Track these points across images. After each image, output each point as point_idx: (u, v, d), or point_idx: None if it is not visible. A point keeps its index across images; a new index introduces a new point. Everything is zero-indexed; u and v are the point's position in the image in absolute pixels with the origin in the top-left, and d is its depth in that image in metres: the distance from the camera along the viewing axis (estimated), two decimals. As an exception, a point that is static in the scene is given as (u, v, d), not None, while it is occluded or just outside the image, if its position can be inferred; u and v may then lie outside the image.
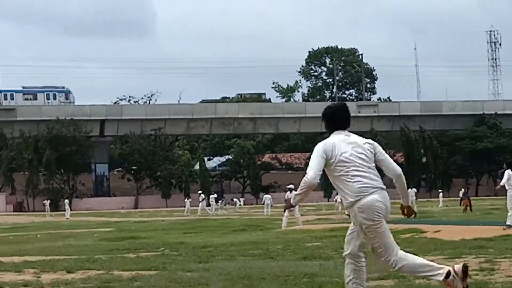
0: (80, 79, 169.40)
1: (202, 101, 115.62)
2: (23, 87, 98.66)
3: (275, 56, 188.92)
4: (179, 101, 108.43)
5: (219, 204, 67.19)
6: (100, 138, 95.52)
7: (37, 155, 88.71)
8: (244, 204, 78.47)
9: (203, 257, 15.56)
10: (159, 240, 22.29)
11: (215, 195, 66.69)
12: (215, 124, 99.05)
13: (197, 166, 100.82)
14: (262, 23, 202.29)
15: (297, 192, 7.11)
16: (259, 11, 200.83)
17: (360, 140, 7.19)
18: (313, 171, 6.93)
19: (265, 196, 53.86)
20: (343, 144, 7.07)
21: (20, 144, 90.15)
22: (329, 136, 7.27)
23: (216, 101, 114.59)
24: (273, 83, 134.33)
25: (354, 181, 6.94)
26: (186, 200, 63.69)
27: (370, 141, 7.24)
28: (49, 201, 68.89)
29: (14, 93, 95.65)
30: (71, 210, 61.34)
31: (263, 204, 53.46)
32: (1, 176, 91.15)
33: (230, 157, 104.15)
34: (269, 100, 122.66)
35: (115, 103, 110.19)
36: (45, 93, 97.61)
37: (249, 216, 46.45)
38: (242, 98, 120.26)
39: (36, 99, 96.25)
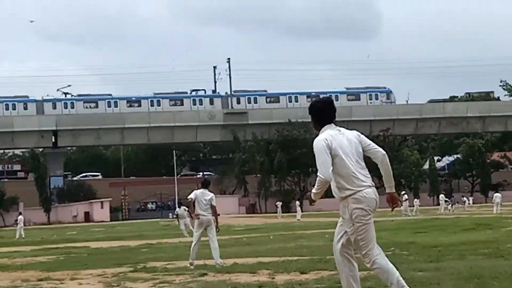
0: (304, 81, 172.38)
1: (430, 101, 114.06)
2: (347, 88, 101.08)
3: (502, 54, 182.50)
4: (407, 101, 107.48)
5: (448, 203, 66.09)
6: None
7: (269, 157, 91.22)
8: (473, 203, 77.16)
9: (433, 256, 15.48)
10: (389, 240, 22.31)
11: (444, 195, 66.44)
12: (443, 124, 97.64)
13: (426, 166, 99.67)
14: (487, 22, 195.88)
15: (314, 191, 7.37)
16: (484, 10, 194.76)
17: (350, 133, 7.46)
18: (326, 169, 7.17)
19: (495, 194, 53.02)
20: (339, 138, 7.33)
21: (252, 147, 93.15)
22: (319, 130, 7.49)
23: (444, 101, 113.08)
24: (500, 82, 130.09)
25: (352, 175, 7.25)
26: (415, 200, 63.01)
27: (355, 132, 7.51)
28: (280, 203, 70.62)
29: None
30: (302, 211, 62.49)
31: (493, 202, 52.48)
32: (234, 179, 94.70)
33: (459, 156, 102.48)
34: (498, 99, 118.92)
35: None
36: (368, 93, 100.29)
37: (479, 215, 45.31)
38: (470, 97, 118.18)
39: (359, 99, 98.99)
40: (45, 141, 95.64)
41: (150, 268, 16.34)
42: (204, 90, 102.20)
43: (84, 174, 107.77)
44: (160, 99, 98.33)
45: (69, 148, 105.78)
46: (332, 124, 7.51)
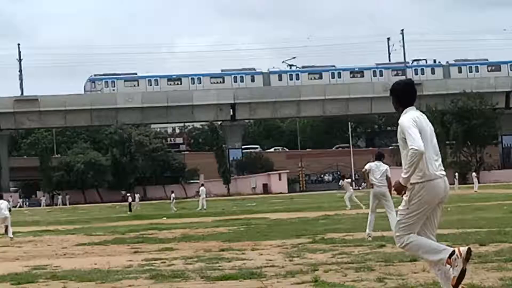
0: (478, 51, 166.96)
1: None
2: None
3: None
4: None
5: None
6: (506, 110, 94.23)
7: (444, 128, 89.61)
8: None
9: None
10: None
11: None
12: None
13: None
14: None
15: (406, 168, 7.05)
16: None
17: (428, 121, 7.44)
18: (418, 140, 7.02)
19: None
20: (422, 122, 7.30)
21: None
22: (400, 111, 7.41)
23: None
24: None
25: (431, 160, 7.18)
26: None
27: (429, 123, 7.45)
28: (457, 173, 69.35)
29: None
30: (479, 182, 61.20)
31: None
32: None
33: None
34: None
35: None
36: None
37: None
38: None
39: None
40: (224, 114, 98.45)
41: (329, 239, 16.70)
42: (425, 60, 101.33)
43: (245, 147, 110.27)
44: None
45: (246, 121, 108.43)
46: (414, 107, 7.52)
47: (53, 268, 13.79)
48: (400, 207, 7.32)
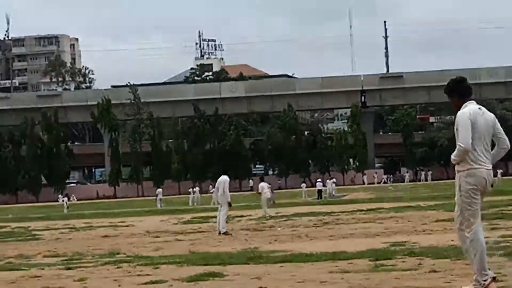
0: None
1: None
2: None
3: None
4: None
5: None
6: None
7: None
8: None
9: None
10: None
11: None
12: None
13: None
14: None
15: (453, 159, 7.84)
16: None
17: (488, 115, 7.88)
18: (467, 139, 7.63)
19: None
20: (478, 116, 7.79)
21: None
22: (458, 106, 7.93)
23: None
24: None
25: (480, 153, 7.74)
26: None
27: (493, 115, 7.94)
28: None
29: None
30: None
31: None
32: None
33: None
34: None
35: None
36: None
37: None
38: None
39: None
40: None
41: None
42: None
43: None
44: None
45: None
46: (474, 101, 7.96)
47: (411, 244, 14.12)
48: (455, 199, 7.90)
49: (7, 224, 34.81)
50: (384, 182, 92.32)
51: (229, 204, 22.16)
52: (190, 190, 58.75)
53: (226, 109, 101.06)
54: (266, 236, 19.89)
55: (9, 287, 11.02)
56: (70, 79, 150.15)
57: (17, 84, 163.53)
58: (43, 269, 13.35)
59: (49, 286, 10.71)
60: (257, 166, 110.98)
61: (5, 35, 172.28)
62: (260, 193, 33.50)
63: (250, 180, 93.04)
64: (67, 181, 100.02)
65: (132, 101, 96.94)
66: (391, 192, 55.01)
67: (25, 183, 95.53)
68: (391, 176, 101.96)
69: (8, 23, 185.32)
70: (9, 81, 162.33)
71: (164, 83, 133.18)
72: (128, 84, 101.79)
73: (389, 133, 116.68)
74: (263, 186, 33.97)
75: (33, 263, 14.92)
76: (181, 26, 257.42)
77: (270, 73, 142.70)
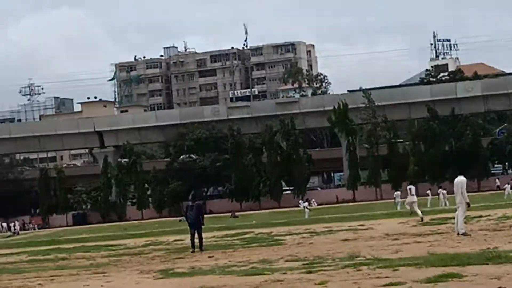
0: None
1: None
2: None
3: None
4: None
5: None
6: None
7: None
8: None
9: None
10: None
11: None
12: None
13: None
14: None
15: None
16: None
17: None
18: None
19: None
20: None
21: None
22: None
23: None
24: None
25: None
26: None
27: None
28: None
29: None
30: None
31: None
32: None
33: None
34: None
35: None
36: None
37: None
38: None
39: None
40: None
41: None
42: None
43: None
44: None
45: None
46: None
47: None
48: None
49: (251, 230, 36.26)
50: None
51: (468, 205, 21.83)
52: (428, 192, 58.40)
53: (462, 109, 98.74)
54: (505, 236, 19.39)
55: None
56: (307, 85, 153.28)
57: (256, 93, 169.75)
58: (285, 273, 13.93)
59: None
60: (495, 166, 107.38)
61: (244, 44, 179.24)
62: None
63: (497, 180, 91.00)
64: (307, 186, 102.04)
65: (367, 105, 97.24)
66: None
67: (266, 190, 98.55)
68: None
69: (246, 32, 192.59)
70: (249, 89, 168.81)
71: (400, 86, 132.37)
72: (361, 88, 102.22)
73: None
74: (411, 189, 35.94)
75: (275, 268, 15.58)
76: (411, 27, 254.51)
77: (507, 71, 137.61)
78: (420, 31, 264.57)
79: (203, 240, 25.63)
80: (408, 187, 37.16)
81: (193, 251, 24.62)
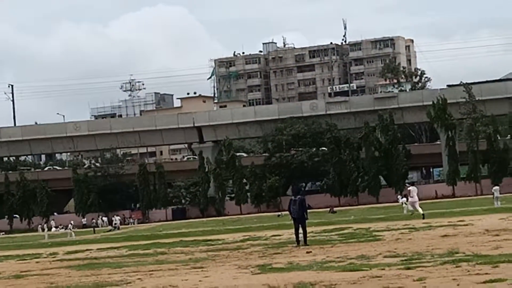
0: None
1: None
2: None
3: None
4: None
5: None
6: None
7: None
8: None
9: None
10: None
11: None
12: None
13: None
14: None
15: None
16: None
17: None
18: None
19: None
20: None
21: None
22: None
23: None
24: None
25: None
26: None
27: None
28: None
29: None
30: None
31: None
32: None
33: None
34: None
35: None
36: None
37: None
38: None
39: None
40: None
41: None
42: None
43: None
44: None
45: None
46: None
47: None
48: None
49: (349, 225, 36.25)
50: None
51: None
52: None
53: None
54: None
55: (351, 287, 11.71)
56: (405, 80, 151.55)
57: (354, 88, 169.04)
58: (383, 269, 13.96)
59: (389, 286, 11.22)
60: None
61: (343, 39, 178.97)
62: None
63: None
64: (406, 181, 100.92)
65: (467, 100, 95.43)
66: None
67: (365, 185, 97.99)
68: None
69: (345, 28, 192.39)
70: (347, 84, 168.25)
71: (500, 80, 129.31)
72: (461, 82, 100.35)
73: None
74: (413, 190, 36.67)
75: (373, 264, 15.62)
76: (508, 21, 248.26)
77: None
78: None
79: (307, 234, 25.82)
80: (408, 188, 38.06)
81: (297, 246, 24.79)
